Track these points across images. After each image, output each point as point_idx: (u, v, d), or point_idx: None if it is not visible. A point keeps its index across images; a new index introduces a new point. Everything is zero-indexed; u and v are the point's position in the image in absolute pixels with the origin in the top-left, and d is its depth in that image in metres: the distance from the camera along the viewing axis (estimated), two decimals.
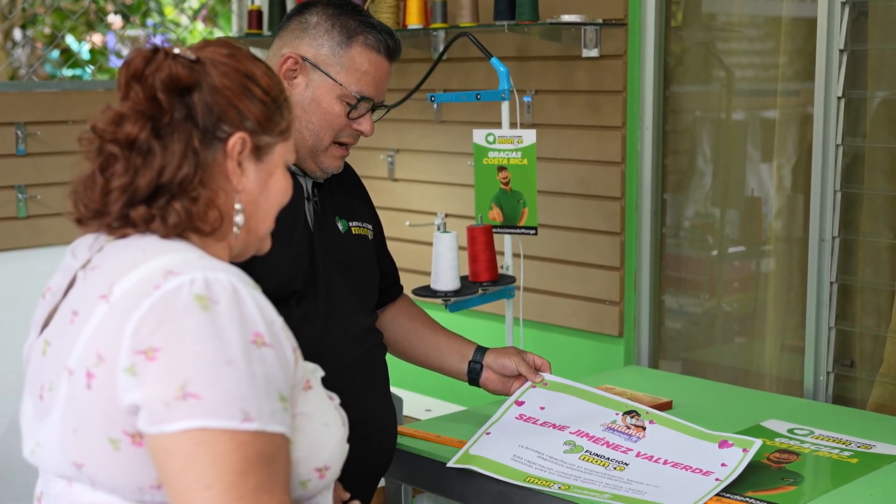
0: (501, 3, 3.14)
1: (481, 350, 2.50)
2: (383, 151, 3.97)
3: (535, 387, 2.48)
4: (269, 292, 2.12)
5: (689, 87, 3.33)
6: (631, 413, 2.38)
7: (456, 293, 2.83)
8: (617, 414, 2.39)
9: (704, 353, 3.36)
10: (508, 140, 2.94)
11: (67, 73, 5.76)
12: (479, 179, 2.99)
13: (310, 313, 2.18)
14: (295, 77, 2.19)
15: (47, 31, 7.06)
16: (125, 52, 6.53)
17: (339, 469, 1.57)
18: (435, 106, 3.74)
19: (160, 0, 7.55)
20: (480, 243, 2.91)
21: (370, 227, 2.41)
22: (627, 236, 3.29)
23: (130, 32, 7.16)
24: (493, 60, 2.94)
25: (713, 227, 3.36)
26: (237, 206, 1.53)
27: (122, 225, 1.48)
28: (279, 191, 1.59)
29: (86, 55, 7.27)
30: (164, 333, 1.35)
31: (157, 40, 6.85)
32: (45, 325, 1.54)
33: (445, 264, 2.81)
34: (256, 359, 1.37)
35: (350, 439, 2.25)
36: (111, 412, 1.38)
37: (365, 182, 3.99)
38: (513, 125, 2.97)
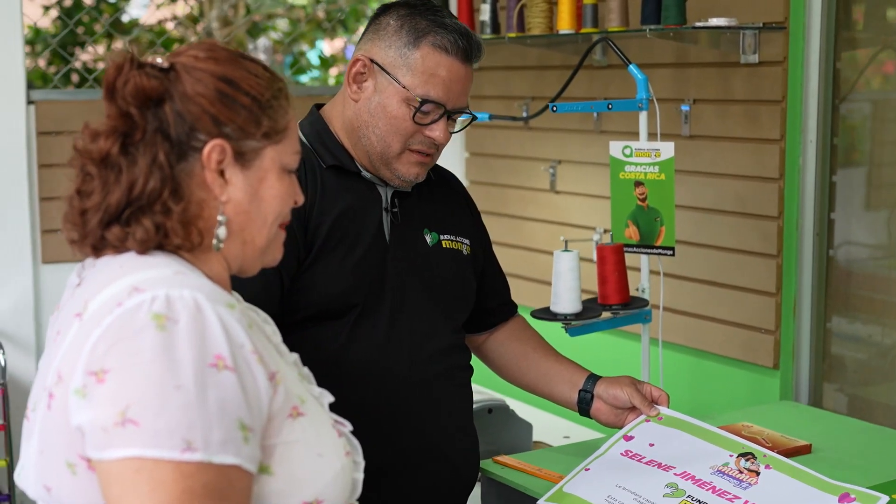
0: (648, 6, 2.94)
1: (593, 378, 2.32)
2: (545, 162, 3.82)
3: (648, 421, 2.28)
4: (323, 303, 2.04)
5: (862, 96, 3.03)
6: (746, 455, 2.15)
7: (577, 316, 2.65)
8: (731, 455, 2.16)
9: (873, 390, 3.05)
10: (646, 153, 2.74)
11: (304, 79, 5.90)
12: (615, 195, 2.80)
13: (370, 329, 2.07)
14: (364, 80, 2.10)
15: (278, 37, 7.28)
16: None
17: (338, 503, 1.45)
18: (595, 116, 3.56)
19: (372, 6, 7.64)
20: (610, 263, 2.73)
21: (467, 241, 2.27)
22: (786, 259, 3.01)
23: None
24: (632, 67, 2.75)
25: (887, 250, 3.04)
26: (220, 218, 1.44)
27: (103, 246, 1.42)
28: (273, 198, 1.48)
29: (316, 61, 7.42)
30: (117, 354, 1.28)
31: None
32: None
33: (566, 285, 2.64)
34: (212, 384, 1.28)
35: (395, 466, 2.11)
36: (67, 435, 1.33)
37: (525, 194, 3.89)
38: (652, 137, 2.77)
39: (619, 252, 2.73)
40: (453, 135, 2.16)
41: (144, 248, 1.40)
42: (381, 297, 2.10)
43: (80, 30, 6.18)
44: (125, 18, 6.87)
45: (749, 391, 3.11)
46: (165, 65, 1.43)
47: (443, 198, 2.29)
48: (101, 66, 6.84)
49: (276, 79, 1.50)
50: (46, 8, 7.28)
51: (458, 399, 2.21)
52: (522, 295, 3.75)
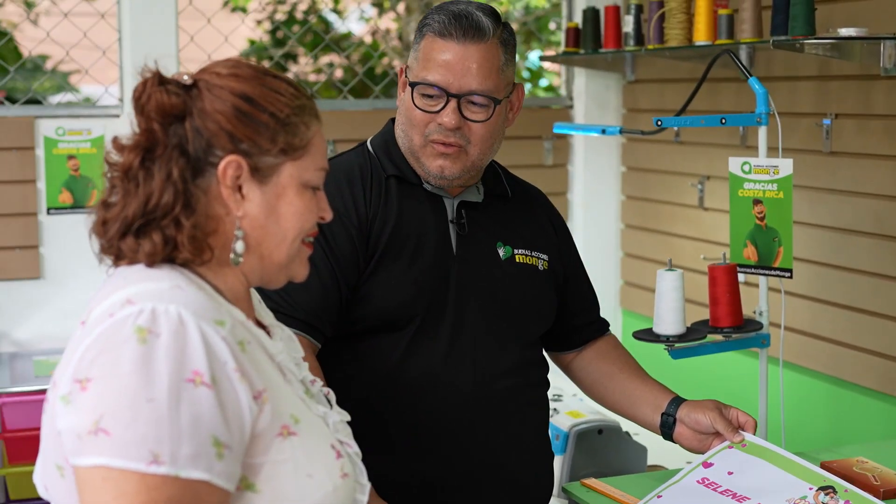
0: (778, 16, 2.81)
1: (677, 401, 2.23)
2: (693, 178, 3.71)
3: (732, 447, 2.18)
4: (383, 314, 2.03)
5: None
6: (826, 489, 2.04)
7: (680, 338, 2.55)
8: (811, 489, 2.05)
9: None
10: (764, 170, 2.62)
11: None
12: (734, 213, 2.69)
13: (431, 342, 2.05)
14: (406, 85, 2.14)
15: None
16: None
17: None
18: (741, 130, 3.44)
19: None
20: (722, 284, 2.62)
21: (545, 257, 2.22)
22: None
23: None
24: (752, 80, 2.64)
25: None
26: (237, 233, 1.46)
27: (121, 255, 1.47)
28: (293, 214, 1.49)
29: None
30: (100, 364, 1.32)
31: None
32: None
33: (668, 305, 2.54)
34: (186, 399, 1.30)
35: (453, 482, 2.07)
36: (55, 439, 1.38)
37: (675, 209, 3.78)
38: (773, 152, 2.65)
39: (731, 272, 2.62)
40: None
41: (152, 261, 1.43)
42: (443, 310, 2.07)
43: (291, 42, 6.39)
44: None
45: (884, 424, 2.92)
46: (188, 82, 1.46)
47: (522, 212, 2.25)
48: (311, 78, 7.08)
49: (299, 96, 1.51)
50: (259, 21, 7.59)
51: (528, 416, 2.16)
52: None
